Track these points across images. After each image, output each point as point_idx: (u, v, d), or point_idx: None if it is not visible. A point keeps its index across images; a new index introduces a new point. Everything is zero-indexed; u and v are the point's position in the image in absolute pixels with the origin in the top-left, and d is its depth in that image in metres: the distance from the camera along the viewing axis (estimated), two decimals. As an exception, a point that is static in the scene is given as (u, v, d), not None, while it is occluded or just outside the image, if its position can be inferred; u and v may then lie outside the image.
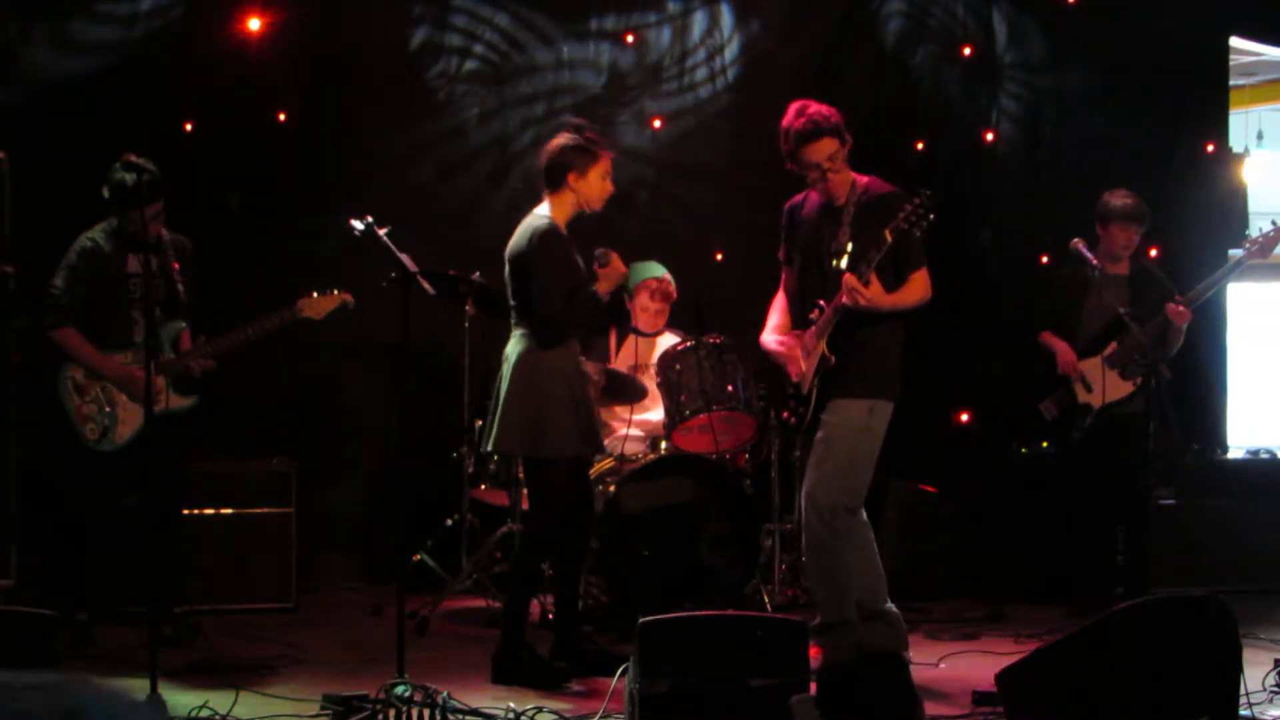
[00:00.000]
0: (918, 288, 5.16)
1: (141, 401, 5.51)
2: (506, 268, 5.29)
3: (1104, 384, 6.39)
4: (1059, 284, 6.69)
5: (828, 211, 5.26)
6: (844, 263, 5.11)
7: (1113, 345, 6.41)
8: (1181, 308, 6.30)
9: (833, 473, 5.16)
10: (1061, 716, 4.05)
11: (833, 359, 5.14)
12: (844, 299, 4.99)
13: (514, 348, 5.24)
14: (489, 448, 5.39)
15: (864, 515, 5.29)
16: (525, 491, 5.86)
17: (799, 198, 5.44)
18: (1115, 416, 6.39)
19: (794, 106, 5.20)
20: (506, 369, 5.24)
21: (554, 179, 5.24)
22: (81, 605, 5.66)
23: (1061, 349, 6.55)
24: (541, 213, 5.26)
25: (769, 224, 7.64)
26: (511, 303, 5.28)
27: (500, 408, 5.22)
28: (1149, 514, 6.58)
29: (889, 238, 4.94)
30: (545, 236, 5.15)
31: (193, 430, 5.84)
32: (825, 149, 5.11)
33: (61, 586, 5.70)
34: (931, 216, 4.93)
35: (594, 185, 5.24)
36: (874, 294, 4.99)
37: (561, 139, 5.28)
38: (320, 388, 7.15)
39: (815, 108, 5.16)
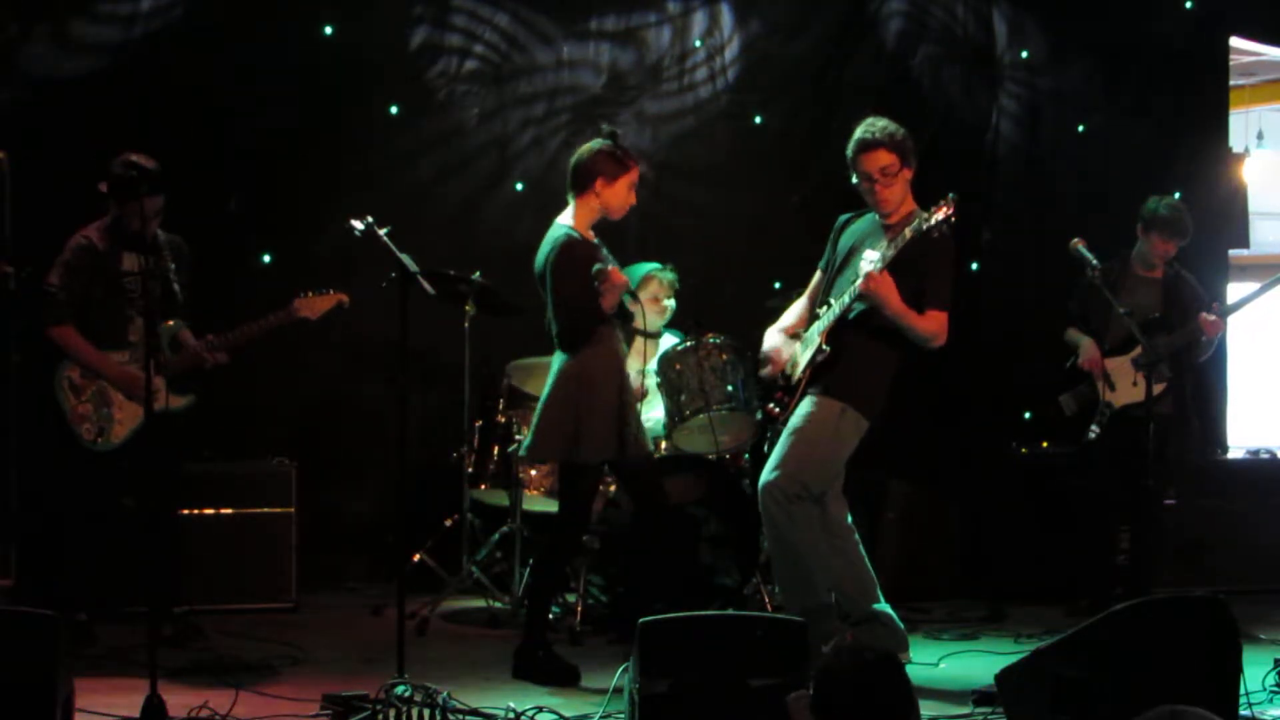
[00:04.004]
0: (931, 323, 5.23)
1: (138, 401, 5.51)
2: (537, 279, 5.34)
3: (1127, 383, 6.36)
4: (1087, 282, 6.64)
5: (878, 225, 5.37)
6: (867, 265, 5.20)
7: (1141, 347, 6.37)
8: (1214, 318, 6.30)
9: (789, 460, 5.25)
10: (1062, 716, 4.05)
11: (828, 349, 5.27)
12: (859, 285, 5.11)
13: (557, 355, 5.29)
14: (524, 454, 5.46)
15: (849, 519, 5.34)
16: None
17: (853, 213, 5.57)
18: (1135, 418, 6.34)
19: (868, 118, 5.35)
20: (549, 376, 5.29)
21: (581, 183, 5.26)
22: (81, 605, 5.65)
23: (1087, 345, 6.53)
24: (561, 221, 5.30)
25: (769, 224, 7.70)
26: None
27: (539, 415, 5.27)
28: (1157, 516, 6.56)
29: (908, 235, 5.06)
30: (559, 248, 5.19)
31: (188, 430, 5.82)
32: (879, 160, 5.27)
33: (61, 586, 5.69)
34: (954, 218, 5.02)
35: (619, 194, 5.27)
36: (886, 286, 5.07)
37: (594, 144, 5.30)
38: (320, 388, 7.14)
39: (885, 122, 5.31)
